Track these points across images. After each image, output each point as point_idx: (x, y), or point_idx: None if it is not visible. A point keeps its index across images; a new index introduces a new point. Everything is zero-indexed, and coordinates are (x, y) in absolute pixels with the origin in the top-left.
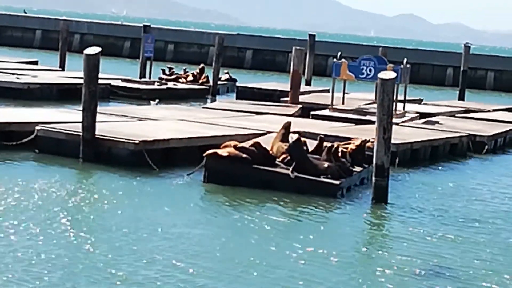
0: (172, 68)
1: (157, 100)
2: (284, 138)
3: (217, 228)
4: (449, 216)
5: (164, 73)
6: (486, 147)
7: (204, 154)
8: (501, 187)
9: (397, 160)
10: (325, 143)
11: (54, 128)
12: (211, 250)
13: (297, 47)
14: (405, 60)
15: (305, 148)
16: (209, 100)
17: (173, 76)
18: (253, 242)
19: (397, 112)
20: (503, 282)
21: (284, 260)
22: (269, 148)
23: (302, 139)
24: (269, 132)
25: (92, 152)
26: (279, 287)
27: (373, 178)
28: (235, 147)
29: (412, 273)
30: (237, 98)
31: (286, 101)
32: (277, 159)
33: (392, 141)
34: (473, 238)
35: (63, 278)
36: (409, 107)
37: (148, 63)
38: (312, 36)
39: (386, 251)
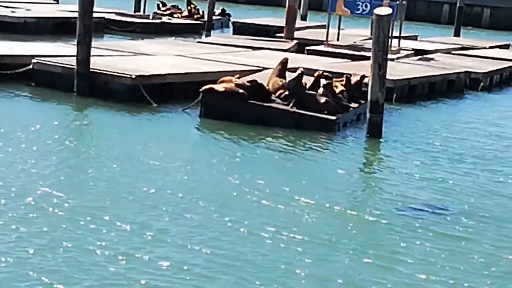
0: (165, 3)
1: None
2: (280, 74)
3: (214, 163)
4: (440, 152)
5: (159, 7)
6: (482, 84)
7: (200, 90)
8: (495, 124)
9: (394, 96)
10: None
11: (50, 62)
12: (206, 185)
13: None
14: None
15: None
16: (203, 35)
17: (168, 11)
18: (249, 177)
19: (392, 49)
20: (493, 219)
21: (279, 195)
22: (265, 84)
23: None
24: (266, 69)
25: (86, 86)
26: (274, 218)
27: (368, 113)
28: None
29: (401, 208)
30: (233, 34)
31: (281, 37)
32: (274, 95)
33: (390, 77)
34: (466, 175)
35: (55, 213)
36: (404, 43)
37: None
38: None
39: (376, 186)
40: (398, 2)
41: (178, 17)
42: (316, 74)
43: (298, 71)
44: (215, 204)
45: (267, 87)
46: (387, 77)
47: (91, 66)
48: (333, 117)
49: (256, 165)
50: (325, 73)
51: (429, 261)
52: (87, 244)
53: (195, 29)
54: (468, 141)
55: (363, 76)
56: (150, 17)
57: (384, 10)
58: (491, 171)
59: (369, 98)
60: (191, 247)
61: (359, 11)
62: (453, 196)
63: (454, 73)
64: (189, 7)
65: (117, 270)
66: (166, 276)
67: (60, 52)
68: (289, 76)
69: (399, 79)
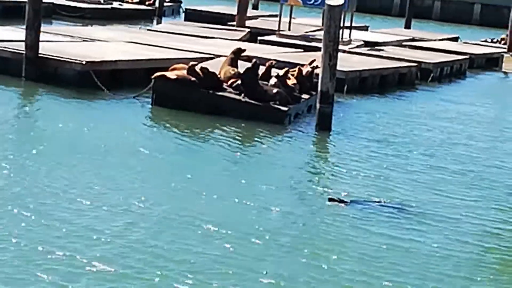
0: None
1: None
2: (232, 63)
3: (164, 152)
4: (388, 147)
5: None
6: (432, 74)
7: (152, 77)
8: (444, 118)
9: (345, 88)
10: (273, 69)
11: None
12: (151, 177)
13: None
14: None
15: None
16: (155, 22)
17: None
18: (193, 170)
19: (343, 39)
20: (437, 216)
21: (221, 189)
22: (217, 73)
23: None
24: (218, 56)
25: (35, 71)
26: (211, 213)
27: (318, 104)
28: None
29: (352, 200)
30: (185, 20)
31: (233, 25)
32: (225, 84)
33: (341, 68)
34: (413, 171)
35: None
36: (355, 34)
37: None
38: None
39: (321, 182)
40: None
41: (129, 3)
42: (267, 64)
43: (253, 62)
44: (155, 196)
45: (219, 76)
46: (339, 68)
47: (40, 51)
48: (285, 108)
49: (202, 158)
50: (280, 64)
51: (370, 258)
52: (21, 237)
53: (146, 15)
54: (417, 136)
55: (314, 67)
56: (102, 1)
57: (336, 1)
58: (437, 168)
59: (319, 89)
60: (122, 240)
61: (311, 2)
62: (398, 193)
63: (406, 66)
64: None
65: (52, 261)
66: (104, 274)
67: (9, 36)
68: (241, 65)
69: (350, 71)
